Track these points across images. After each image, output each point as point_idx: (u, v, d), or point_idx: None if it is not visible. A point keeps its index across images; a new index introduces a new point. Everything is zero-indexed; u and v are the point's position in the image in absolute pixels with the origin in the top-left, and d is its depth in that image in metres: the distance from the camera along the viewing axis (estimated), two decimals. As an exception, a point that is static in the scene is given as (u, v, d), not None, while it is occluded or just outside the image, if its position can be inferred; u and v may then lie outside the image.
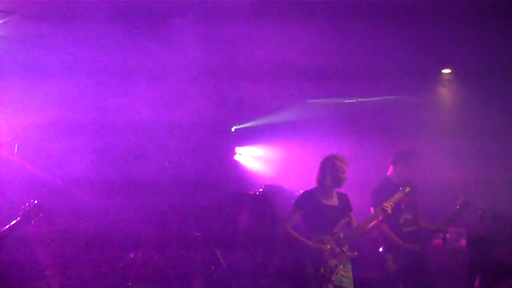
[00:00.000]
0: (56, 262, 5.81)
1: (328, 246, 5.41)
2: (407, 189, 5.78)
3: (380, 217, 5.52)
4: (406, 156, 6.18)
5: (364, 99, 8.36)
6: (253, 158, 8.73)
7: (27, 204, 4.80)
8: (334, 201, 5.66)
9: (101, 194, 6.27)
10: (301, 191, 6.63)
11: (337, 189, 5.70)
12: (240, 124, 8.71)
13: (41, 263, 5.68)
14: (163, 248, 5.81)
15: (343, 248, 5.48)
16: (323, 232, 5.49)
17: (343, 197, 5.73)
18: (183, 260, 5.27)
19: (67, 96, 6.64)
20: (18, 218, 4.74)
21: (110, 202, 6.25)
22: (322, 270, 5.37)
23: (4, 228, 4.64)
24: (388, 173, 6.24)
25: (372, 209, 5.93)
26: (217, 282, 5.25)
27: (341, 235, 5.52)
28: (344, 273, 5.46)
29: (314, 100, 8.53)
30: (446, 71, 7.93)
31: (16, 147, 6.06)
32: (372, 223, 5.57)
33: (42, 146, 6.37)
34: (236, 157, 8.22)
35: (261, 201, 7.12)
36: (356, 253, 5.50)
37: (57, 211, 5.55)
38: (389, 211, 5.50)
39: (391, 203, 5.55)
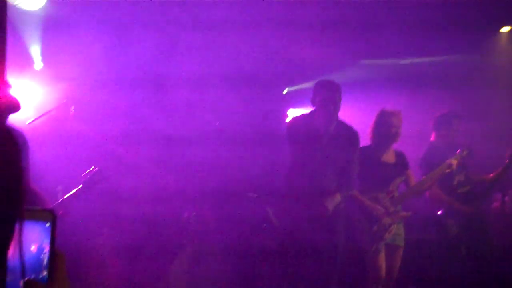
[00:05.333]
0: (111, 219, 5.86)
1: (382, 204, 5.33)
2: (465, 152, 5.68)
3: (441, 173, 5.54)
4: (446, 119, 6.09)
5: (419, 59, 8.12)
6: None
7: (88, 171, 4.80)
8: (391, 159, 5.54)
9: (155, 154, 6.28)
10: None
11: (394, 147, 5.55)
12: (292, 86, 8.59)
13: (97, 220, 5.74)
14: (217, 207, 5.83)
15: (398, 207, 5.42)
16: (378, 190, 5.42)
17: (400, 155, 5.60)
18: (236, 218, 5.30)
19: (120, 55, 6.65)
20: (81, 185, 4.73)
21: (163, 161, 6.28)
22: (375, 228, 5.33)
23: (67, 196, 4.64)
24: (432, 139, 6.15)
25: (423, 178, 5.80)
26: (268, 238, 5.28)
27: (396, 194, 5.46)
28: (397, 231, 5.41)
29: (367, 61, 8.33)
30: (506, 29, 7.62)
31: (72, 109, 6.11)
32: (431, 182, 5.52)
33: (99, 107, 6.42)
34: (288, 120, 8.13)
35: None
36: (410, 213, 5.45)
37: (113, 174, 5.58)
38: (454, 167, 5.44)
39: (455, 161, 5.50)
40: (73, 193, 4.70)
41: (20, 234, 1.23)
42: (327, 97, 5.17)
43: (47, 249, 1.40)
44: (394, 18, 6.77)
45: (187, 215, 5.86)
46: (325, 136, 5.14)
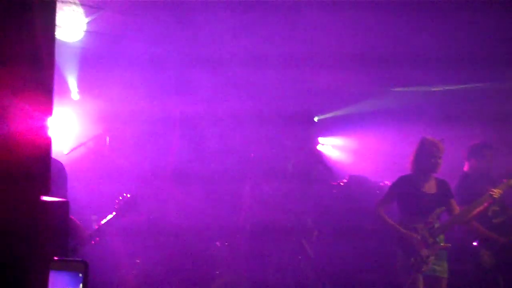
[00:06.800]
0: (141, 252, 5.93)
1: (419, 237, 5.26)
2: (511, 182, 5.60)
3: (486, 204, 5.40)
4: (478, 149, 6.08)
5: (451, 87, 8.07)
6: (337, 148, 8.67)
7: (120, 198, 4.85)
8: (431, 188, 5.47)
9: (189, 186, 6.35)
10: (387, 182, 6.55)
11: (436, 176, 5.51)
12: (323, 114, 8.63)
13: (124, 253, 5.80)
14: (250, 239, 5.85)
15: (437, 239, 5.33)
16: (417, 221, 5.34)
17: (442, 184, 5.53)
18: (270, 249, 5.32)
19: (155, 90, 6.79)
20: (114, 213, 4.78)
21: (197, 194, 6.34)
22: (412, 260, 5.24)
23: (102, 223, 4.70)
24: (465, 169, 6.13)
25: (465, 208, 5.72)
26: (304, 271, 5.27)
27: (436, 225, 5.36)
28: (437, 262, 5.32)
29: (398, 89, 8.32)
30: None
31: (107, 140, 6.25)
32: (476, 211, 5.44)
33: (133, 139, 6.53)
34: (319, 148, 8.17)
35: (345, 192, 7.06)
36: (450, 244, 5.35)
37: (146, 204, 5.67)
38: (496, 196, 5.35)
39: (499, 190, 5.42)
40: (107, 220, 4.74)
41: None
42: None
43: None
44: (425, 45, 6.76)
45: (220, 244, 5.90)
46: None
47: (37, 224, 1.64)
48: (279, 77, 7.34)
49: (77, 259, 1.54)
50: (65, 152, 6.04)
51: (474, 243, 5.84)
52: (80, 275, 1.50)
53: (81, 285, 1.49)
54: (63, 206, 1.64)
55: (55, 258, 1.53)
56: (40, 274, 1.45)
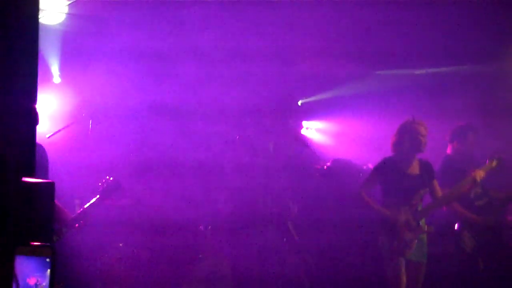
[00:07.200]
0: (125, 236, 5.92)
1: (404, 218, 5.24)
2: (494, 162, 5.61)
3: (468, 186, 5.42)
4: (462, 132, 6.07)
5: (434, 70, 8.10)
6: (320, 132, 8.68)
7: (104, 181, 4.82)
8: (415, 170, 5.42)
9: (173, 171, 6.34)
10: (370, 165, 6.58)
11: (419, 157, 5.47)
12: (306, 98, 8.62)
13: (108, 237, 5.78)
14: (234, 223, 5.86)
15: (420, 222, 5.31)
16: (401, 203, 5.28)
17: (425, 166, 5.48)
18: (254, 233, 5.35)
19: (138, 74, 6.74)
20: (98, 196, 4.74)
21: (182, 179, 6.33)
22: (395, 244, 5.20)
23: (86, 206, 4.66)
24: (448, 151, 6.12)
25: (449, 190, 5.75)
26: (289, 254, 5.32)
27: (420, 208, 5.35)
28: (419, 247, 5.30)
29: (383, 72, 8.33)
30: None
31: (90, 123, 6.20)
32: (458, 194, 5.46)
33: (116, 124, 6.49)
34: (303, 132, 8.17)
35: (328, 175, 7.08)
36: (433, 228, 5.34)
37: (130, 188, 5.65)
38: (479, 179, 5.36)
39: (481, 172, 5.43)
40: (91, 203, 4.70)
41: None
42: None
43: (46, 282, 1.50)
44: (409, 28, 6.78)
45: (203, 227, 5.91)
46: None
47: (21, 206, 1.63)
48: (262, 64, 7.32)
49: (44, 243, 1.54)
50: (47, 135, 5.99)
51: (455, 226, 5.88)
52: (48, 260, 1.50)
53: (49, 270, 1.50)
54: (48, 187, 1.63)
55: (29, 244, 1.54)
56: (8, 259, 1.45)
